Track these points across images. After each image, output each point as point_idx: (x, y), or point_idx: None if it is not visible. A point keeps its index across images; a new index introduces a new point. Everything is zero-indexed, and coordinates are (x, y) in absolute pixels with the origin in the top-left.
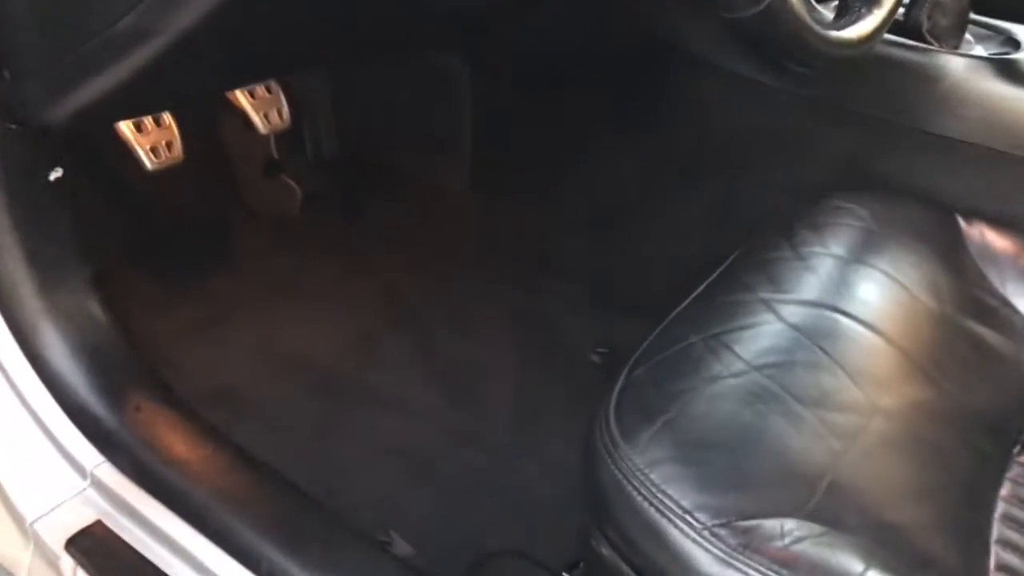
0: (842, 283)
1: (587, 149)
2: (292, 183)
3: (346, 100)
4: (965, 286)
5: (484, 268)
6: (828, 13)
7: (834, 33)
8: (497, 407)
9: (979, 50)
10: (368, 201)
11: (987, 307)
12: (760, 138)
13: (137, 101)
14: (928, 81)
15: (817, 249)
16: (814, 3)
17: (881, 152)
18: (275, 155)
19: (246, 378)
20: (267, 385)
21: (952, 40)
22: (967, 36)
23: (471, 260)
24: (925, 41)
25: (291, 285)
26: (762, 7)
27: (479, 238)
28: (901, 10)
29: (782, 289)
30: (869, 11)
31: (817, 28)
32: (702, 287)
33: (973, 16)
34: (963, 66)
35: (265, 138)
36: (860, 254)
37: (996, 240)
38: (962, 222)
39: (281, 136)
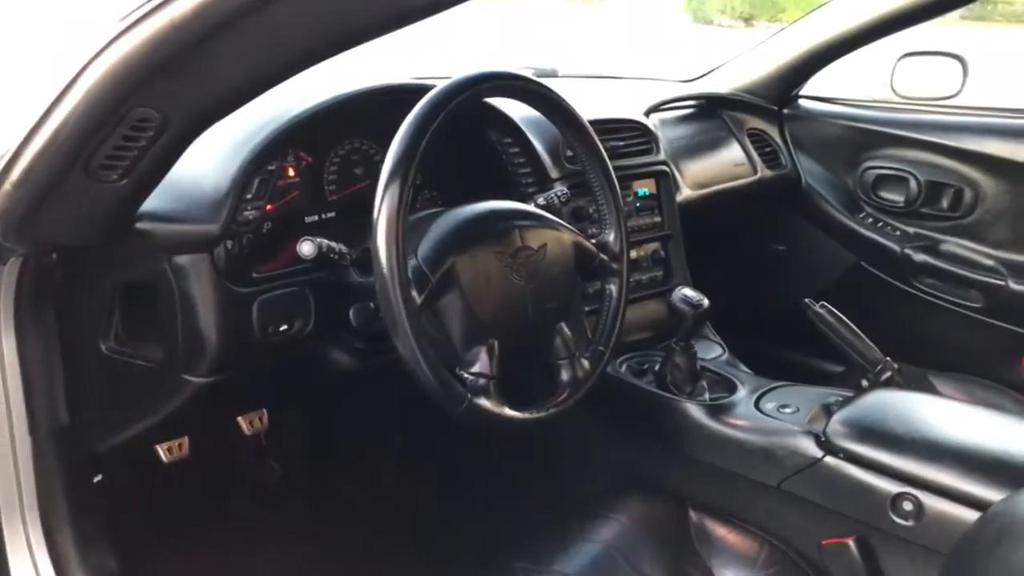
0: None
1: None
2: (274, 465)
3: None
4: (682, 565)
5: (392, 531)
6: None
7: (531, 415)
8: None
9: (706, 395)
10: (325, 480)
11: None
12: (548, 448)
13: (165, 435)
14: (672, 417)
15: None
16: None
17: (644, 463)
18: (264, 443)
19: None
20: None
21: (688, 387)
22: (701, 383)
23: (384, 522)
24: (669, 390)
25: (263, 539)
26: (462, 408)
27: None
28: (657, 368)
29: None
30: (573, 395)
31: (513, 414)
32: None
33: (706, 367)
34: (693, 407)
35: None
36: (612, 543)
37: (712, 526)
38: (692, 513)
39: (266, 432)
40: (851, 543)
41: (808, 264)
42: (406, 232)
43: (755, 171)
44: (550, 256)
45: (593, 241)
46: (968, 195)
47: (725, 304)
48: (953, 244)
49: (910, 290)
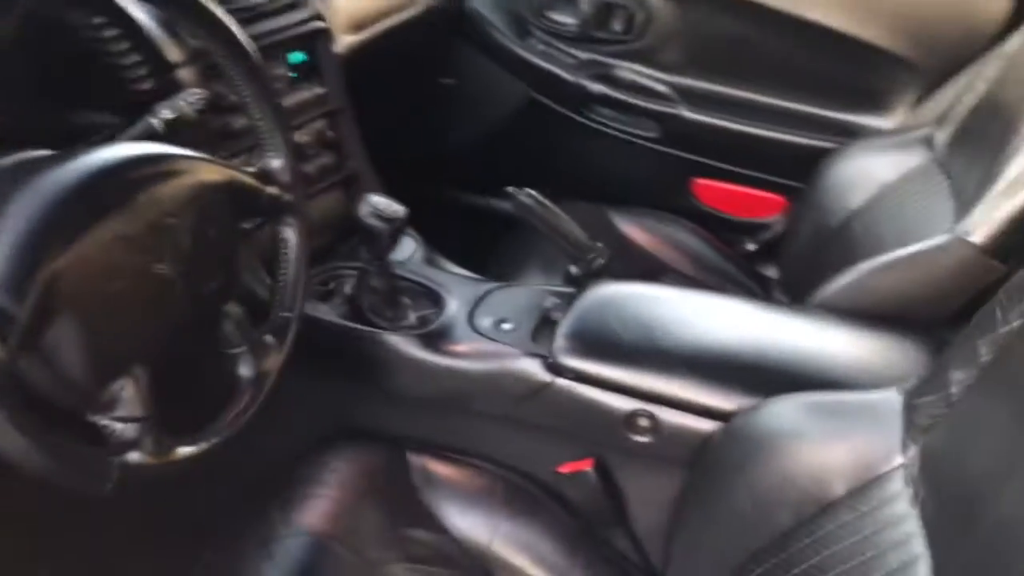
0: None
1: None
2: None
3: None
4: (407, 530)
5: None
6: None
7: (210, 441)
8: None
9: (411, 316)
10: None
11: (421, 541)
12: None
13: None
14: (376, 352)
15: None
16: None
17: (357, 408)
18: None
19: None
20: None
21: (389, 312)
22: (403, 301)
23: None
24: (368, 320)
25: None
26: (113, 481)
27: None
28: (348, 290)
29: None
30: (259, 391)
31: (186, 451)
32: None
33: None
34: (400, 340)
35: None
36: (321, 528)
37: (437, 468)
38: (412, 457)
39: None
40: (589, 469)
41: (480, 98)
42: None
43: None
44: (200, 214)
45: (251, 169)
46: (640, 16)
47: (399, 152)
48: (627, 70)
49: (586, 122)
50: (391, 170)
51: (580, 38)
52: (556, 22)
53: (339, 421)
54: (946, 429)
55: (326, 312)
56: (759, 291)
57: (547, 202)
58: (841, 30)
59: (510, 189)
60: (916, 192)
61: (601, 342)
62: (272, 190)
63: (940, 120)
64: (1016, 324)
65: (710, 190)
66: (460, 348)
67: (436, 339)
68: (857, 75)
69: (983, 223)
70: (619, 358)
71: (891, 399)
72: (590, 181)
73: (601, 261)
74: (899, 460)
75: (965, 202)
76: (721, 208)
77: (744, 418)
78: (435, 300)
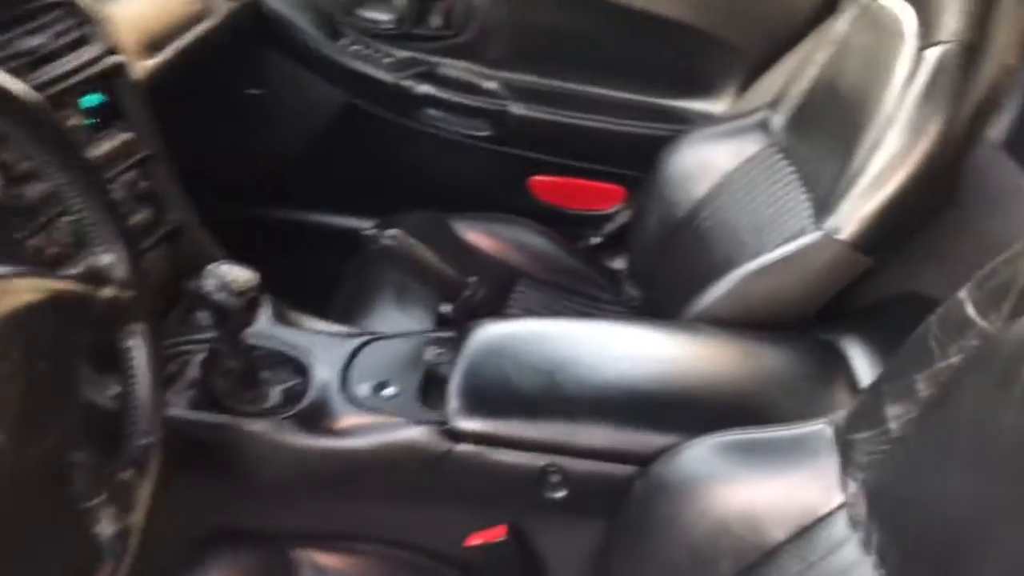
0: None
1: None
2: None
3: None
4: None
5: None
6: None
7: None
8: None
9: (274, 392)
10: None
11: None
12: None
13: None
14: (239, 444)
15: None
16: None
17: (226, 507)
18: None
19: None
20: None
21: (249, 393)
22: (262, 377)
23: None
24: (224, 405)
25: None
26: None
27: None
28: (195, 372)
29: None
30: (124, 550)
31: None
32: None
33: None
34: (267, 428)
35: None
36: None
37: (329, 560)
38: (297, 554)
39: None
40: (502, 538)
41: (293, 108)
42: None
43: (210, 7)
44: (25, 351)
45: (76, 271)
46: (459, 9)
47: (216, 178)
48: (451, 68)
49: (413, 125)
50: (210, 200)
51: (397, 36)
52: (369, 20)
53: (207, 525)
54: (892, 468)
55: (172, 401)
56: (609, 285)
57: (412, 240)
58: (662, 15)
59: (371, 233)
60: (762, 180)
61: (499, 397)
62: (107, 292)
63: (774, 104)
64: (955, 360)
65: (548, 186)
66: (338, 425)
67: (308, 419)
68: (682, 61)
69: (851, 220)
70: (520, 412)
71: (820, 433)
72: (423, 187)
73: (478, 297)
74: (839, 499)
75: (823, 195)
76: (561, 203)
77: (664, 464)
78: (297, 368)
